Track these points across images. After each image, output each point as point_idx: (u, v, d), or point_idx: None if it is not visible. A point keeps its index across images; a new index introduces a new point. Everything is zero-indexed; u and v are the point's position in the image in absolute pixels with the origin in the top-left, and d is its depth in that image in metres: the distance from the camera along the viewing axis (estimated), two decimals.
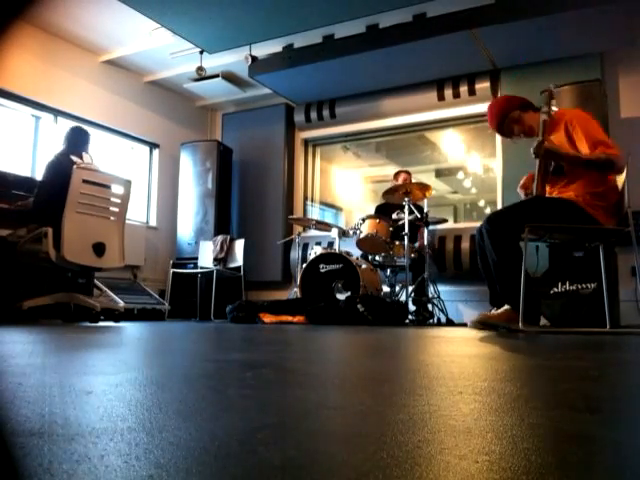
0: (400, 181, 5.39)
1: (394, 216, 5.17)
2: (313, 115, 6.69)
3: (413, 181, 5.55)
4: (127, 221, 4.41)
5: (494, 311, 3.01)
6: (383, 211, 5.51)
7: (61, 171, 4.00)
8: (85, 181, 4.01)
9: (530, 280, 3.07)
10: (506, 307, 2.91)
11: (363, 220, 5.12)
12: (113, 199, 4.26)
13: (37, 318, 4.18)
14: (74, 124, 5.94)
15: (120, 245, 4.27)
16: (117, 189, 4.29)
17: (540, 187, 3.17)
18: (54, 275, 4.33)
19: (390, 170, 6.02)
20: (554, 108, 3.04)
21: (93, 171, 4.15)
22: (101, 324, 4.02)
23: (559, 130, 3.07)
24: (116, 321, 4.24)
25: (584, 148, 2.94)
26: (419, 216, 5.20)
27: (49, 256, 3.80)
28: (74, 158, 4.12)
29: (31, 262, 4.08)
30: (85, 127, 4.63)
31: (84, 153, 4.26)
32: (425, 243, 5.12)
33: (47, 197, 4.01)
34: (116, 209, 4.27)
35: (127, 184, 4.32)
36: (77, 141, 4.30)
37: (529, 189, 3.25)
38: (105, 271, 4.71)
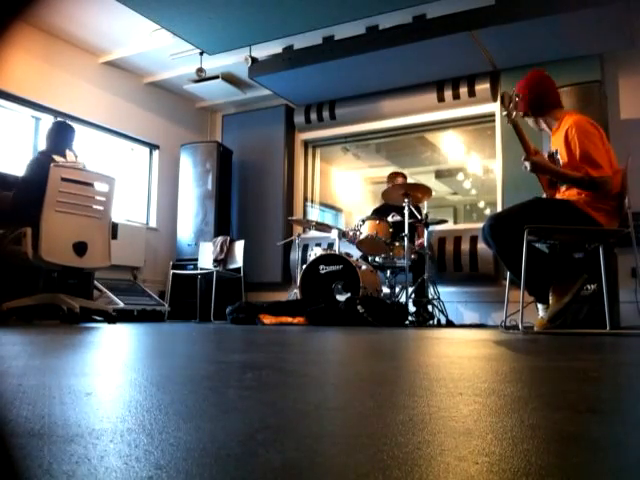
0: (399, 182, 5.38)
1: (389, 219, 5.16)
2: (313, 116, 6.69)
3: (413, 182, 5.56)
4: (127, 222, 4.37)
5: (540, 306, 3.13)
6: (382, 213, 5.51)
7: (40, 170, 3.89)
8: (65, 179, 3.87)
9: (546, 260, 3.15)
10: (551, 298, 3.02)
11: (363, 221, 5.12)
12: (96, 197, 4.11)
13: (31, 319, 4.16)
14: (74, 126, 5.96)
15: (105, 244, 4.13)
16: (100, 187, 4.13)
17: (548, 192, 3.21)
18: (39, 276, 4.23)
19: (390, 171, 6.02)
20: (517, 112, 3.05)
21: (73, 169, 4.01)
22: (100, 325, 4.02)
23: (560, 132, 3.08)
24: (109, 323, 4.18)
25: (574, 161, 2.97)
26: (419, 217, 5.20)
27: (28, 256, 3.72)
28: (56, 157, 4.01)
29: (14, 263, 3.98)
30: (69, 122, 4.51)
31: (68, 150, 4.14)
32: (425, 244, 5.13)
33: (26, 196, 3.91)
34: (100, 207, 4.12)
35: (111, 182, 4.17)
36: (60, 138, 4.19)
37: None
38: (89, 271, 4.58)
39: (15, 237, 3.83)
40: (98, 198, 4.14)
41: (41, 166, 3.93)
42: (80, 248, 3.93)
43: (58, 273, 4.23)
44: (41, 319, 4.22)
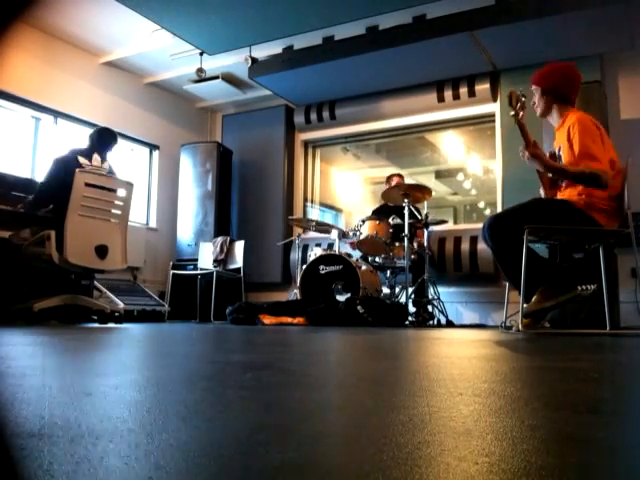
0: (394, 184, 5.38)
1: (390, 221, 5.16)
2: (313, 116, 6.69)
3: (413, 182, 5.56)
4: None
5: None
6: (381, 214, 5.50)
7: (64, 170, 3.99)
8: (88, 184, 4.02)
9: (540, 263, 3.11)
10: (535, 297, 2.94)
11: (363, 221, 5.12)
12: (115, 202, 4.27)
13: (40, 319, 4.18)
14: (74, 126, 5.98)
15: (123, 247, 4.29)
16: (119, 192, 4.29)
17: (547, 191, 3.20)
18: (58, 277, 4.37)
19: (390, 172, 6.03)
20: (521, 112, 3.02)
21: (95, 174, 4.16)
22: (100, 325, 4.03)
23: (563, 129, 3.08)
24: (117, 322, 4.25)
25: (573, 156, 2.96)
26: (419, 217, 5.20)
27: (52, 258, 3.81)
28: (81, 159, 4.12)
29: (35, 264, 4.10)
30: (113, 129, 4.59)
31: (95, 155, 4.26)
32: (425, 244, 5.12)
33: (49, 196, 4.01)
34: (118, 212, 4.28)
35: (129, 187, 4.33)
36: (98, 142, 4.31)
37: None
38: (107, 273, 4.74)
39: (37, 239, 3.91)
40: (118, 203, 4.28)
41: (65, 166, 4.02)
42: (102, 251, 4.08)
43: (75, 274, 4.33)
44: (44, 320, 4.24)
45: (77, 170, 3.98)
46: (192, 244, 6.58)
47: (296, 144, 7.02)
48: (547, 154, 3.21)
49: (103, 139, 4.37)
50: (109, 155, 4.41)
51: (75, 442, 0.54)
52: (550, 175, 3.18)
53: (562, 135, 3.09)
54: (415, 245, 5.15)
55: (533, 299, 2.98)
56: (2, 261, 4.18)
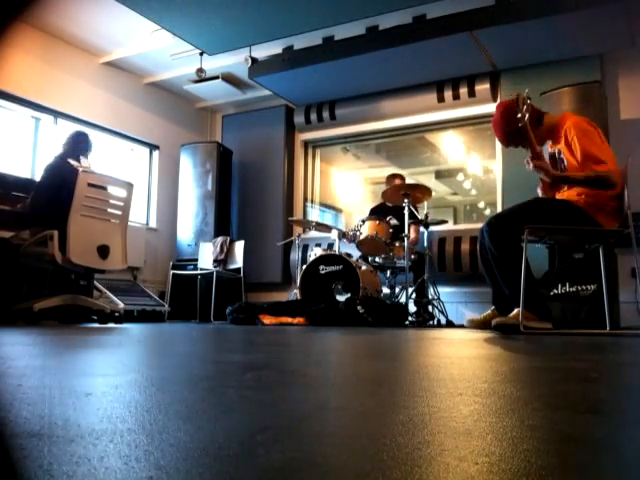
0: (397, 183, 5.38)
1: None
2: (313, 117, 6.69)
3: (413, 182, 5.56)
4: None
5: (489, 311, 3.06)
6: (378, 213, 5.50)
7: (59, 174, 4.03)
8: (90, 185, 4.04)
9: (534, 279, 3.10)
10: (517, 309, 2.90)
11: (363, 222, 5.12)
12: (116, 202, 4.29)
13: (39, 319, 4.19)
14: (74, 126, 5.97)
15: (123, 247, 4.32)
16: (120, 192, 4.31)
17: (549, 193, 3.19)
18: (58, 277, 4.39)
19: (390, 172, 6.03)
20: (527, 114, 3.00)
21: (97, 175, 4.19)
22: (100, 325, 4.03)
23: (560, 137, 3.07)
24: (117, 322, 4.26)
25: (576, 161, 2.95)
26: (418, 217, 5.21)
27: (54, 258, 3.82)
28: (72, 162, 4.14)
29: (35, 264, 4.12)
30: (86, 131, 4.61)
31: (82, 157, 4.28)
32: (425, 244, 5.12)
33: (46, 200, 4.03)
34: (119, 212, 4.30)
35: (129, 187, 4.35)
36: (77, 145, 4.32)
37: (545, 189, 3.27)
38: (108, 273, 4.75)
39: (38, 239, 3.91)
40: (118, 203, 4.30)
41: (60, 170, 4.05)
42: (103, 251, 4.12)
43: (75, 275, 4.34)
44: (46, 320, 4.24)
45: (80, 171, 3.99)
46: (192, 244, 6.58)
47: (296, 144, 7.03)
48: (546, 155, 3.21)
49: (83, 142, 4.37)
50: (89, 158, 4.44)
51: (75, 442, 0.54)
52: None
53: (560, 140, 3.09)
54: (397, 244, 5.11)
55: (512, 313, 2.93)
56: (2, 262, 4.18)
